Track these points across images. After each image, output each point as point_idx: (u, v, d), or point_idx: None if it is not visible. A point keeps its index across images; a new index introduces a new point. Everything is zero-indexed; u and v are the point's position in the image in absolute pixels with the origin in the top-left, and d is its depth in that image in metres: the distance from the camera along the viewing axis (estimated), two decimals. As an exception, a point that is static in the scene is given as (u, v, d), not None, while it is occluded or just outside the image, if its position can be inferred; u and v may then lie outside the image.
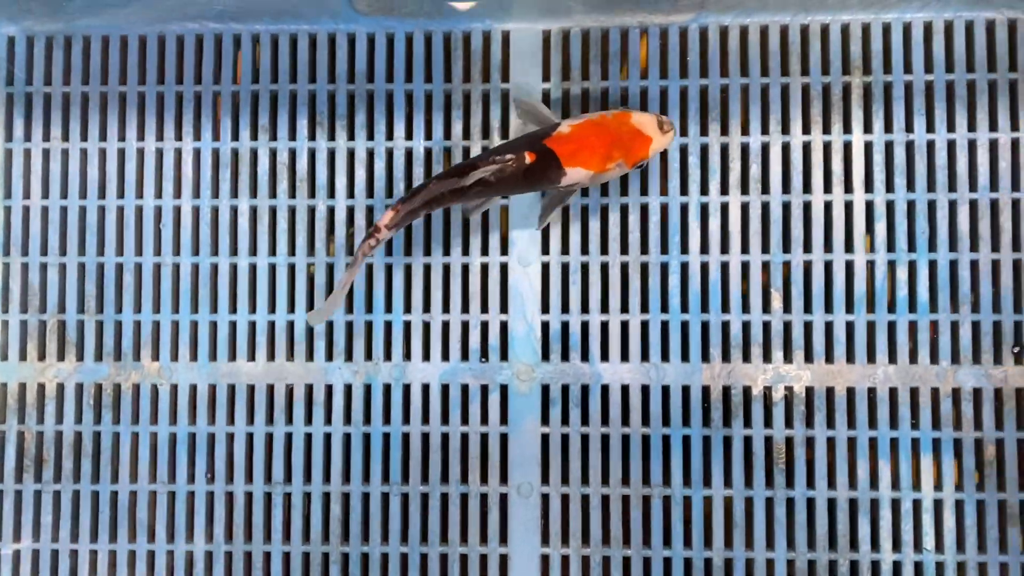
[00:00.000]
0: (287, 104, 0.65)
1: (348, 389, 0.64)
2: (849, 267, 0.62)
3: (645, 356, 0.63)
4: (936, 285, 0.62)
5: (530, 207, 0.64)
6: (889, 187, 0.62)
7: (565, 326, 0.64)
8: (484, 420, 0.64)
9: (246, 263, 0.65)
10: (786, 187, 0.63)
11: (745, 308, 0.63)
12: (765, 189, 0.63)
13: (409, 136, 0.65)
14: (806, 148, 0.63)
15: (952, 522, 0.61)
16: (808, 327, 0.62)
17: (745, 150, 0.63)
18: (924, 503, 0.61)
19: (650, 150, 0.58)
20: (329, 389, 0.64)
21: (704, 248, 0.63)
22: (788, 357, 0.62)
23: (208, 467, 0.64)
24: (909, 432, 0.61)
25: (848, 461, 0.62)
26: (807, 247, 0.63)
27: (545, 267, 0.64)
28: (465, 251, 0.64)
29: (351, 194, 0.65)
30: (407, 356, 0.64)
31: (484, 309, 0.64)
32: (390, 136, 0.65)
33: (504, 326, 0.64)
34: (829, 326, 0.62)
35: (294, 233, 0.65)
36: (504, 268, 0.64)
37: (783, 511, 0.61)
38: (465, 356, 0.64)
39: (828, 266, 0.63)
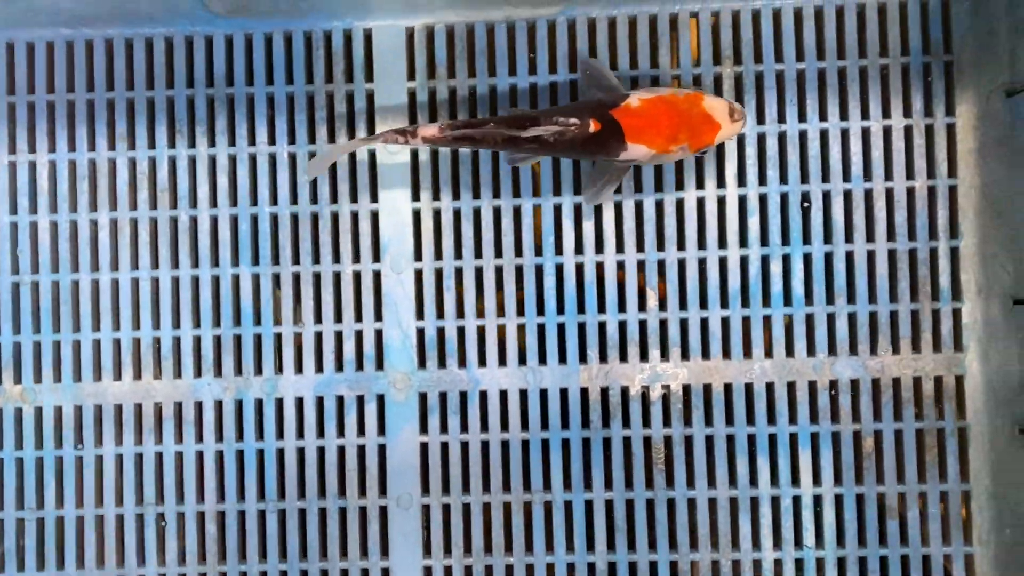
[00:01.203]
0: (144, 111, 0.63)
1: (219, 405, 0.62)
2: (723, 263, 0.61)
3: (523, 360, 0.62)
4: (811, 277, 0.61)
5: (401, 214, 0.62)
6: (762, 180, 0.61)
7: (441, 332, 0.62)
8: (361, 431, 0.62)
9: (108, 278, 0.62)
10: (659, 185, 0.61)
11: (621, 307, 0.61)
12: (638, 187, 0.61)
13: (272, 141, 0.63)
14: (679, 142, 0.62)
15: (832, 517, 0.60)
16: (684, 324, 0.61)
17: (617, 146, 0.62)
18: (804, 499, 0.60)
19: (716, 137, 0.56)
20: (199, 406, 0.62)
21: (579, 249, 0.62)
22: (665, 355, 0.61)
23: (77, 490, 0.62)
24: (787, 427, 0.61)
25: (727, 459, 0.61)
26: (680, 244, 0.61)
27: (419, 273, 0.62)
28: (336, 259, 0.63)
29: (214, 203, 0.63)
30: (279, 369, 0.62)
31: (358, 318, 0.62)
32: (252, 142, 0.63)
33: (379, 334, 0.62)
34: (704, 322, 0.61)
35: (156, 245, 0.63)
36: (377, 275, 0.62)
37: (664, 512, 0.61)
38: (340, 367, 0.62)
39: (702, 262, 0.61)
